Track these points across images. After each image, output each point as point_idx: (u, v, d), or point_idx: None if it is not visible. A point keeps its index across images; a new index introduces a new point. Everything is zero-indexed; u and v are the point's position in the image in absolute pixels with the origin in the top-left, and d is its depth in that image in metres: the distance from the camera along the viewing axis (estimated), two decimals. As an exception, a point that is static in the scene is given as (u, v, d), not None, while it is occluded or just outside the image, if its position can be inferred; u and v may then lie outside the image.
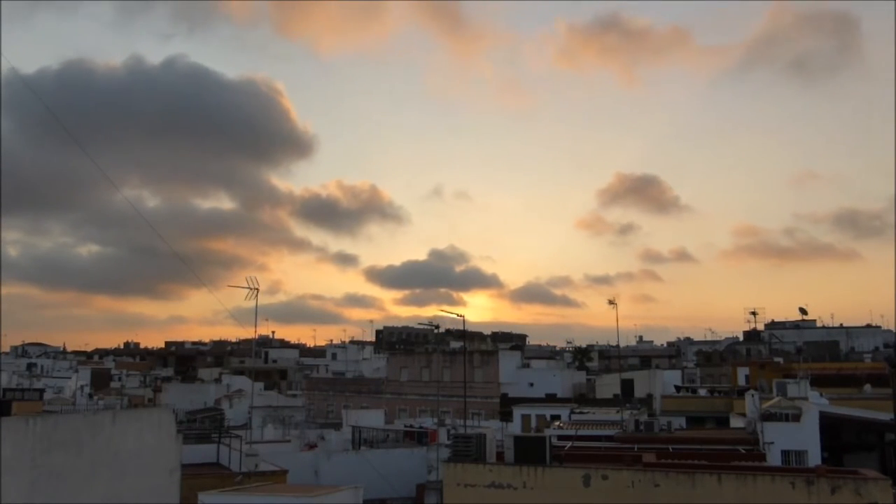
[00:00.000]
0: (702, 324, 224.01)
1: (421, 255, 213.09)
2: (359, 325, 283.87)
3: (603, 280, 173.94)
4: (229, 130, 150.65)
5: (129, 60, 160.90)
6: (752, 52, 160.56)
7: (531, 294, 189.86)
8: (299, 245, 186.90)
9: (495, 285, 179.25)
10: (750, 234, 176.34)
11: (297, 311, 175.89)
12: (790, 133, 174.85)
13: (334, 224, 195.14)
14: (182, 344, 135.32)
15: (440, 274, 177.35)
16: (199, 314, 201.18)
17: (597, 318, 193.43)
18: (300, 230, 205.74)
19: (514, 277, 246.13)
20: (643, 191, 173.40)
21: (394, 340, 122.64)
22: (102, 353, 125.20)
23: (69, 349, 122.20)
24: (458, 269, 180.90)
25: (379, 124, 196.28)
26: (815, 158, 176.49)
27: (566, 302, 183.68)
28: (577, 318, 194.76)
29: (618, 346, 74.46)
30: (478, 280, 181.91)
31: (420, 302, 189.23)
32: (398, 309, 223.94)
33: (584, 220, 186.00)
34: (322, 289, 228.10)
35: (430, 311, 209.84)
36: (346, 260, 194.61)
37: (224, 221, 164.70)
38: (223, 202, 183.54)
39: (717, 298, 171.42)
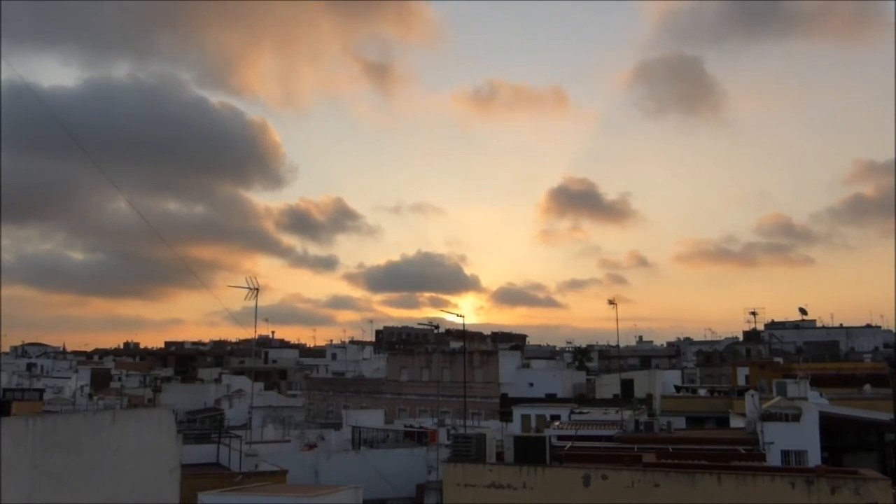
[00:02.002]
0: (668, 324, 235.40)
1: (396, 258, 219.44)
2: (346, 326, 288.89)
3: (576, 284, 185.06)
4: (208, 150, 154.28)
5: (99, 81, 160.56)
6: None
7: (514, 296, 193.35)
8: (279, 251, 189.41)
9: (477, 288, 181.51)
10: (695, 243, 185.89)
11: (286, 313, 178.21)
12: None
13: (312, 233, 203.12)
14: (182, 344, 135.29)
15: (419, 277, 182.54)
16: (194, 316, 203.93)
17: (581, 319, 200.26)
18: (281, 237, 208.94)
19: (492, 282, 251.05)
20: (586, 199, 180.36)
21: (393, 340, 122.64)
22: (102, 353, 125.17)
23: (69, 349, 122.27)
24: (438, 271, 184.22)
25: (345, 148, 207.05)
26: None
27: (551, 303, 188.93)
28: (564, 319, 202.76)
29: (618, 346, 74.59)
30: (460, 283, 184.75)
31: (405, 304, 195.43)
32: (385, 310, 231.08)
33: (542, 231, 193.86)
34: (308, 292, 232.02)
35: (412, 313, 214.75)
36: (326, 264, 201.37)
37: (205, 228, 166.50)
38: (203, 213, 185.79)
39: (685, 299, 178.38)
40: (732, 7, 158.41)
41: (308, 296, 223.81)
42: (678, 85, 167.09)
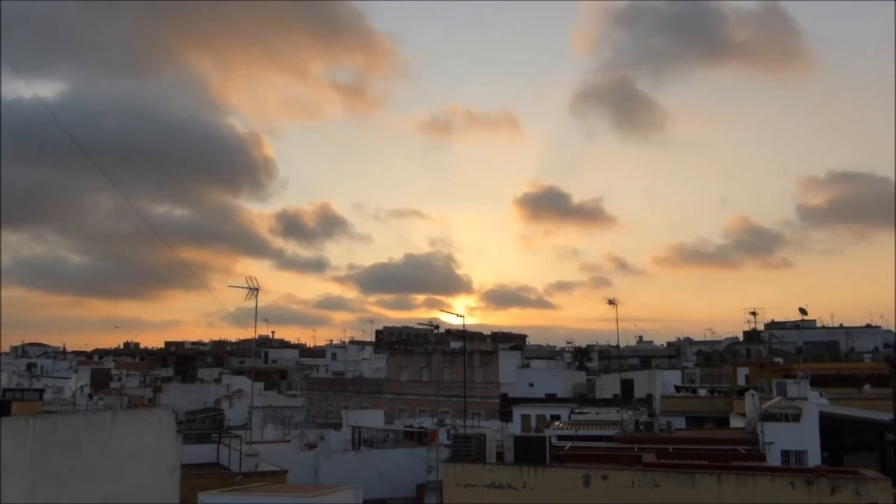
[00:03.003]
0: (659, 325, 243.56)
1: (384, 260, 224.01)
2: (342, 327, 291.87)
3: (562, 286, 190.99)
4: (199, 160, 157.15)
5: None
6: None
7: (506, 298, 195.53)
8: (270, 254, 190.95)
9: (468, 290, 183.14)
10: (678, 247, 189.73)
11: (280, 314, 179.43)
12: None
13: (301, 237, 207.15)
14: (182, 344, 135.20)
15: (409, 279, 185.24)
16: (191, 318, 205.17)
17: (573, 320, 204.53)
18: (271, 241, 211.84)
19: (482, 284, 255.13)
20: (555, 204, 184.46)
21: (394, 341, 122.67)
22: (102, 353, 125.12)
23: (69, 349, 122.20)
24: (427, 273, 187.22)
25: (328, 160, 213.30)
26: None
27: (543, 304, 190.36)
28: (557, 320, 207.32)
29: (618, 346, 74.60)
30: (452, 284, 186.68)
31: (399, 306, 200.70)
32: (379, 311, 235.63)
33: (521, 235, 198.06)
34: (301, 293, 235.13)
35: (406, 314, 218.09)
36: (316, 266, 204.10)
37: (195, 233, 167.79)
38: (192, 218, 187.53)
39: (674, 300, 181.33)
40: (671, 36, 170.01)
41: (302, 297, 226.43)
42: (623, 106, 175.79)
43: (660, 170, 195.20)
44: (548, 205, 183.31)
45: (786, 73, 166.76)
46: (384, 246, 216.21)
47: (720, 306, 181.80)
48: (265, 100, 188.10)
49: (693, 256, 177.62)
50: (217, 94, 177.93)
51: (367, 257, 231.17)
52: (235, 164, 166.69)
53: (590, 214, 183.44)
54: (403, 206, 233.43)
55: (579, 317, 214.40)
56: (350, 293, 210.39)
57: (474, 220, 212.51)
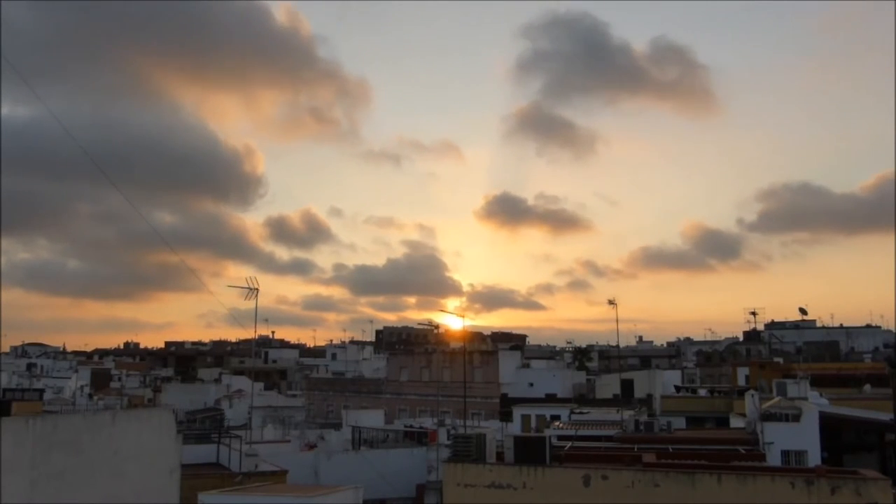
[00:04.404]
0: (648, 326, 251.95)
1: (370, 263, 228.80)
2: (336, 328, 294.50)
3: (544, 289, 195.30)
4: (189, 170, 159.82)
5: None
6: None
7: (494, 299, 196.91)
8: (259, 258, 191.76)
9: (458, 291, 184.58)
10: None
11: (273, 315, 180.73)
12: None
13: (289, 241, 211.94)
14: (182, 344, 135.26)
15: (399, 281, 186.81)
16: (186, 319, 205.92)
17: (563, 321, 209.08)
18: (259, 245, 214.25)
19: (469, 286, 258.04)
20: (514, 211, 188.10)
21: (393, 341, 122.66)
22: (102, 353, 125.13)
23: (69, 349, 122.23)
24: (415, 276, 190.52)
25: (310, 171, 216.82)
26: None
27: (533, 306, 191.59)
28: (546, 321, 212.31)
29: (618, 346, 74.59)
30: (441, 286, 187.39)
31: (391, 308, 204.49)
32: (371, 312, 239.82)
33: (493, 241, 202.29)
34: (293, 295, 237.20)
35: (400, 315, 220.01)
36: (304, 269, 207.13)
37: (186, 238, 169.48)
38: (183, 225, 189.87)
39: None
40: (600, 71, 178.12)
41: (292, 299, 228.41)
42: (556, 132, 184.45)
43: (595, 185, 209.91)
44: (507, 212, 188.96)
45: (694, 109, 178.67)
46: (366, 250, 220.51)
47: (676, 309, 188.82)
48: (248, 120, 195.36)
49: (664, 260, 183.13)
50: (203, 115, 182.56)
51: (353, 260, 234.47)
52: (220, 175, 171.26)
53: (561, 221, 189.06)
54: (380, 214, 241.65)
55: (570, 318, 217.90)
56: (340, 294, 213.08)
57: (446, 227, 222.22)
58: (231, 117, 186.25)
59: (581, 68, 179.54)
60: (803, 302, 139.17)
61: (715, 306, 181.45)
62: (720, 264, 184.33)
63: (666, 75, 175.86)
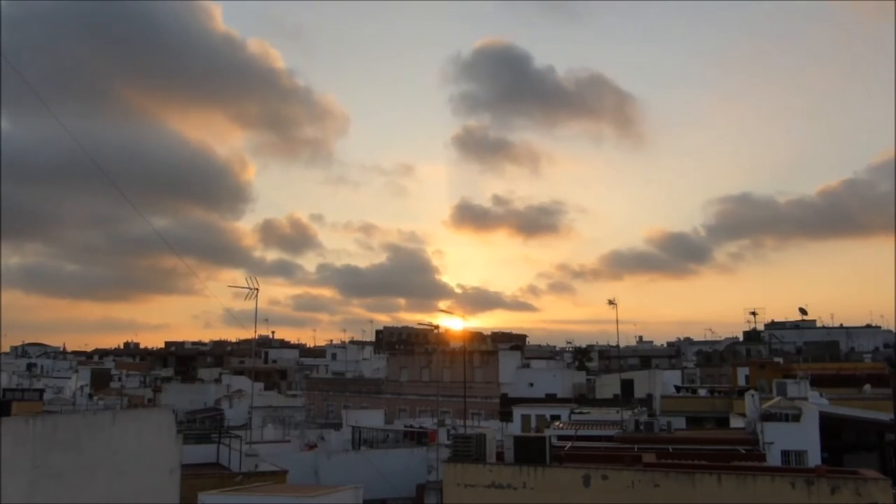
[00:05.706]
0: (639, 327, 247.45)
1: (360, 265, 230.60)
2: (332, 328, 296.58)
3: (531, 290, 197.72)
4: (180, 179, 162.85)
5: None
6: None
7: (484, 301, 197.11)
8: (250, 262, 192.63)
9: (448, 293, 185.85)
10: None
11: (269, 316, 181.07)
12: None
13: (278, 246, 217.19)
14: (182, 344, 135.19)
15: (388, 283, 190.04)
16: (183, 320, 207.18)
17: (554, 322, 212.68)
18: (249, 250, 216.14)
19: (459, 288, 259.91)
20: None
21: (393, 341, 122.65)
22: (102, 353, 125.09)
23: (69, 349, 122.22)
24: (404, 278, 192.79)
25: (294, 181, 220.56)
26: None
27: (524, 307, 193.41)
28: (538, 323, 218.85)
29: (618, 346, 74.56)
30: (432, 288, 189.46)
31: (383, 309, 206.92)
32: (364, 313, 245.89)
33: (472, 246, 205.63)
34: (285, 297, 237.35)
35: (395, 317, 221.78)
36: (294, 271, 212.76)
37: (179, 243, 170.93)
38: (174, 231, 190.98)
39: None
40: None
41: (283, 301, 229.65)
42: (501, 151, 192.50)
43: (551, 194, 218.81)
44: (475, 219, 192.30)
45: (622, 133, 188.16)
46: (349, 252, 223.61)
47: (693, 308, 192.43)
48: (238, 137, 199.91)
49: (640, 262, 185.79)
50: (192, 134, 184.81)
51: (339, 261, 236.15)
52: (211, 184, 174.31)
53: (531, 225, 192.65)
54: (359, 221, 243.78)
55: (560, 318, 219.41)
56: (331, 296, 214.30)
57: (425, 233, 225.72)
58: (214, 133, 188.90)
59: (514, 96, 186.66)
60: (802, 302, 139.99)
61: (705, 306, 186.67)
62: (700, 266, 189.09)
63: (595, 102, 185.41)
